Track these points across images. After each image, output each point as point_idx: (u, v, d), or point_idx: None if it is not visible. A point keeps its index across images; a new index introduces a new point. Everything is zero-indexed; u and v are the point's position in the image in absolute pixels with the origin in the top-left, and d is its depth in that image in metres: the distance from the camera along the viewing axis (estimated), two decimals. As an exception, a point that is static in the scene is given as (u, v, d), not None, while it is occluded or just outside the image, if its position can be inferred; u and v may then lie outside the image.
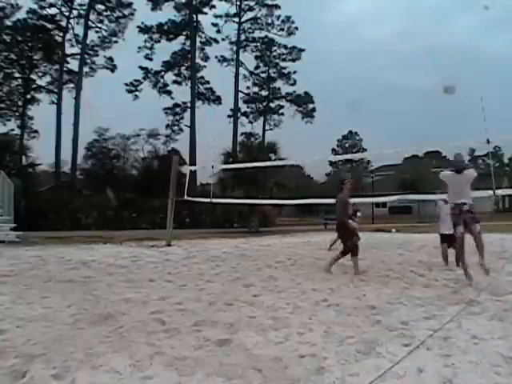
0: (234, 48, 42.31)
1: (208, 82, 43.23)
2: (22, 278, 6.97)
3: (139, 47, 40.01)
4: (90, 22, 36.38)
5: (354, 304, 5.14)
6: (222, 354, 3.42)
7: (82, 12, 36.21)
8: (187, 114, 40.80)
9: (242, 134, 44.87)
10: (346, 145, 77.76)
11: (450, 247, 8.23)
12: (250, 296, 5.69)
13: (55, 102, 36.17)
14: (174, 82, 41.92)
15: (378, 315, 4.58)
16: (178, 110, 42.75)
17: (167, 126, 43.11)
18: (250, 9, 41.61)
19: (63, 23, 36.14)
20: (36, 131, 40.22)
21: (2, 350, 3.43)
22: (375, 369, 3.07)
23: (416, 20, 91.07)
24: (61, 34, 36.30)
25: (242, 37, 42.58)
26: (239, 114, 43.63)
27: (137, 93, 41.27)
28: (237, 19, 41.46)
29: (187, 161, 34.26)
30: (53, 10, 35.56)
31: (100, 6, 36.86)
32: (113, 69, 39.12)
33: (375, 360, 3.26)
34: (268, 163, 19.36)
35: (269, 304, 5.18)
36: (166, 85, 41.85)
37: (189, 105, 40.04)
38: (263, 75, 45.24)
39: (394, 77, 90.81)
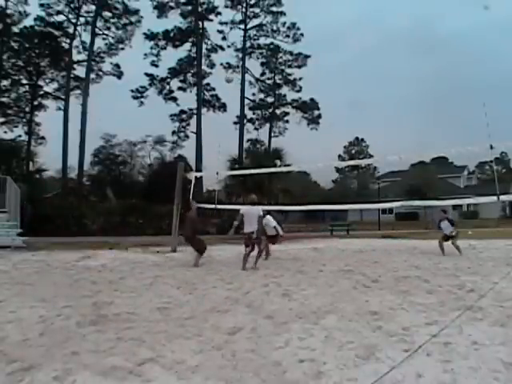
0: (240, 55, 42.47)
1: (214, 89, 43.36)
2: (27, 282, 7.04)
3: (145, 54, 40.30)
4: (96, 29, 36.71)
5: (356, 310, 5.12)
6: (222, 357, 3.44)
7: (89, 19, 36.60)
8: (193, 121, 40.97)
9: (248, 140, 44.98)
10: (353, 151, 77.79)
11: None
12: (250, 301, 5.70)
13: (62, 108, 36.45)
14: (180, 88, 42.07)
15: (379, 321, 4.57)
16: (184, 116, 42.84)
17: (173, 132, 43.20)
18: (256, 16, 41.78)
19: (70, 30, 36.50)
20: (43, 137, 40.39)
21: (3, 353, 3.47)
22: (374, 374, 3.06)
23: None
24: (68, 41, 36.64)
25: (248, 43, 42.69)
26: (245, 121, 43.69)
27: (142, 99, 41.46)
28: (242, 26, 41.66)
29: (193, 167, 34.30)
30: (60, 18, 36.06)
31: (107, 14, 37.24)
32: (119, 75, 39.40)
33: (374, 365, 3.25)
34: (274, 169, 19.32)
35: (270, 309, 5.19)
36: (171, 91, 42.03)
37: (195, 111, 40.19)
38: (269, 82, 45.26)
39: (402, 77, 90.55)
